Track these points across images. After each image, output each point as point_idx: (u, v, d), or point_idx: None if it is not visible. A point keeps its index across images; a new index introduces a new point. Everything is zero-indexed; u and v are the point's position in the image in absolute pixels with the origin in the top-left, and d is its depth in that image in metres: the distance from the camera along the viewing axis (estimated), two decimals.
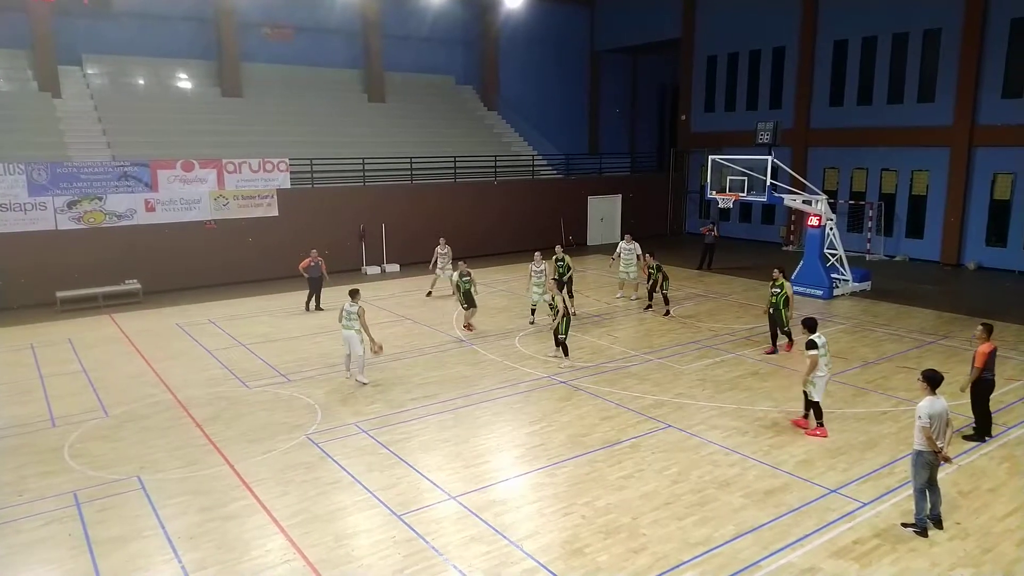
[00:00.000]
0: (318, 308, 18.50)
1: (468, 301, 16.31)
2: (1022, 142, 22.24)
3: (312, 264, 18.45)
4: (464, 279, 16.29)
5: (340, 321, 12.99)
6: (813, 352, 10.20)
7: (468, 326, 16.52)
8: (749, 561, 7.34)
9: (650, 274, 17.86)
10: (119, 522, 8.27)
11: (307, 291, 18.75)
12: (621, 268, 19.28)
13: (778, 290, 14.42)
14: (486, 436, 10.66)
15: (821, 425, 10.53)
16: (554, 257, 18.39)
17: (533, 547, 7.65)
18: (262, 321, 17.67)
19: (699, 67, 32.13)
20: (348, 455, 9.97)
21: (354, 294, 13.08)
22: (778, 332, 14.76)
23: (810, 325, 10.57)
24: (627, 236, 19.68)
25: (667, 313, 17.65)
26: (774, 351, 14.67)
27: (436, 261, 20.37)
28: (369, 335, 12.83)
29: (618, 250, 19.54)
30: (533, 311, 17.06)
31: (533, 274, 16.84)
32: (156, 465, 9.76)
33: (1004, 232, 23.27)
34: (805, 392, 10.59)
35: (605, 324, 17.04)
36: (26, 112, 22.61)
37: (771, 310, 14.63)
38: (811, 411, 10.60)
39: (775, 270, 14.68)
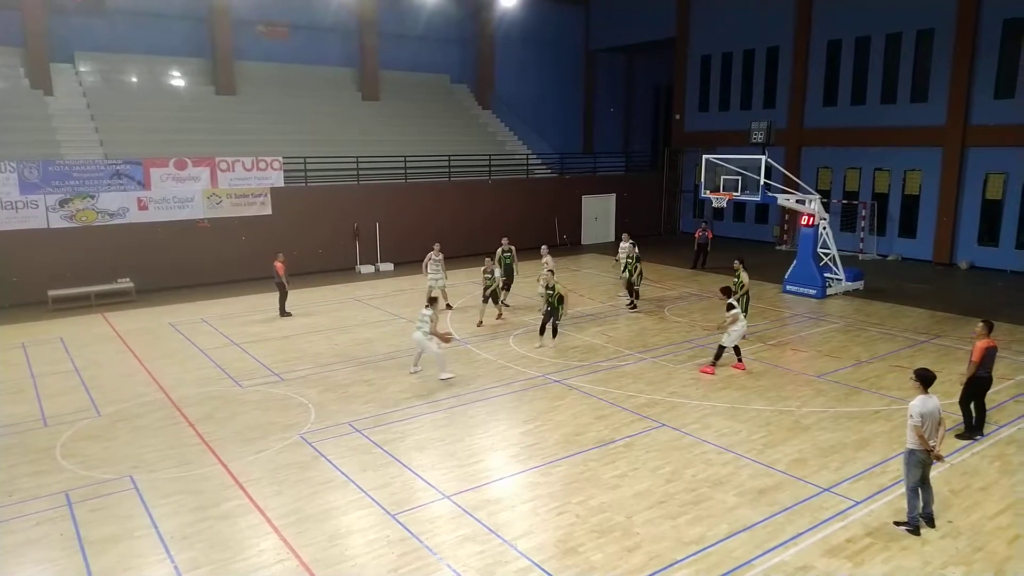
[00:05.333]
0: (285, 314, 17.78)
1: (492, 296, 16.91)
2: (1014, 142, 22.35)
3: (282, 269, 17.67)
4: (487, 276, 16.74)
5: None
6: (734, 312, 13.07)
7: (480, 323, 16.79)
8: (742, 560, 7.36)
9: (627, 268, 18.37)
10: (111, 522, 8.23)
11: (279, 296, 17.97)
12: (623, 269, 19.23)
13: (736, 279, 15.48)
14: (480, 435, 10.66)
15: (713, 365, 13.24)
16: (500, 249, 18.42)
17: (527, 546, 7.65)
18: (255, 320, 17.61)
19: (693, 67, 32.20)
20: (342, 454, 9.95)
21: (432, 302, 13.30)
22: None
23: (727, 292, 13.61)
24: (624, 235, 19.71)
25: (632, 305, 18.17)
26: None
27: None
28: (437, 334, 13.04)
29: (620, 251, 19.46)
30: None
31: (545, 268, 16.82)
32: (149, 465, 9.72)
33: (996, 232, 23.39)
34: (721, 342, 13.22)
35: (599, 323, 17.05)
36: (18, 110, 22.48)
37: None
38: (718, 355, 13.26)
39: (735, 260, 15.81)
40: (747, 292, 15.46)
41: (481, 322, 16.93)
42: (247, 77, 27.63)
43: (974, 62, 23.11)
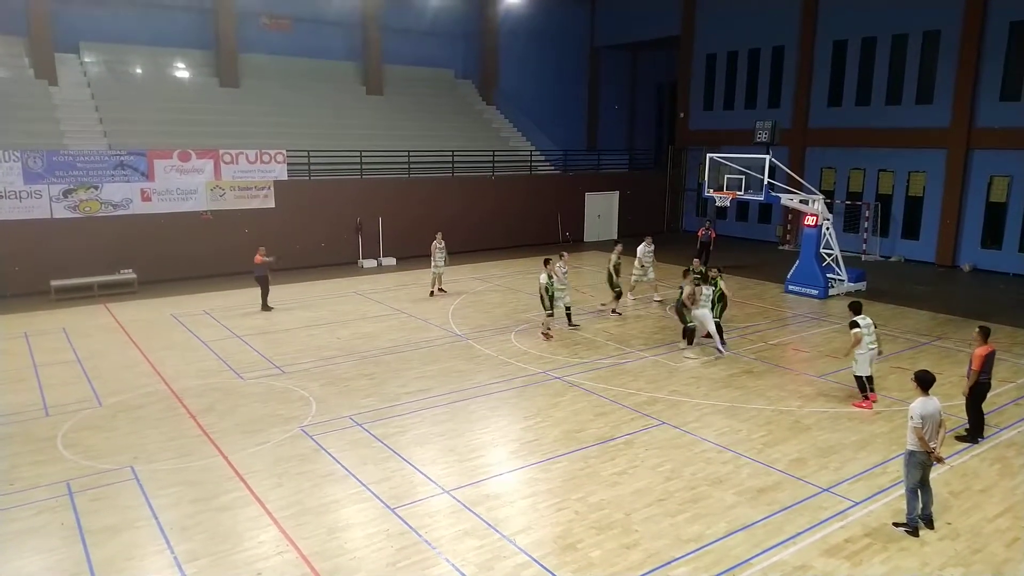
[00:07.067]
0: (265, 308, 17.67)
1: (551, 306, 15.35)
2: (1019, 145, 22.28)
3: (263, 262, 17.55)
4: (552, 282, 15.28)
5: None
6: (856, 331, 11.39)
7: (546, 334, 15.44)
8: (741, 558, 7.37)
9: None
10: (112, 512, 8.26)
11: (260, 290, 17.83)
12: (636, 269, 18.56)
13: (712, 286, 14.42)
14: (480, 431, 10.67)
15: (866, 397, 11.60)
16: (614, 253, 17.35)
17: (526, 542, 7.67)
18: (257, 313, 17.63)
19: (698, 65, 32.13)
20: (342, 448, 9.97)
21: (710, 279, 14.58)
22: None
23: (855, 308, 11.83)
24: (648, 238, 18.71)
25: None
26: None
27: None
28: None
29: (640, 253, 18.51)
30: (569, 315, 16.17)
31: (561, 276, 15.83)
32: (149, 455, 9.74)
33: (999, 234, 23.34)
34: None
35: (601, 320, 17.05)
36: (22, 99, 22.49)
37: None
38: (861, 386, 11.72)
39: (714, 269, 14.94)
40: (725, 299, 14.60)
41: (550, 335, 15.46)
42: (251, 70, 27.61)
43: (980, 64, 23.04)
